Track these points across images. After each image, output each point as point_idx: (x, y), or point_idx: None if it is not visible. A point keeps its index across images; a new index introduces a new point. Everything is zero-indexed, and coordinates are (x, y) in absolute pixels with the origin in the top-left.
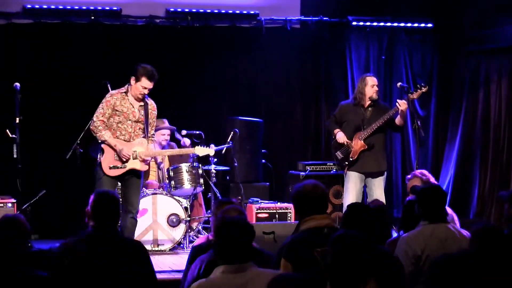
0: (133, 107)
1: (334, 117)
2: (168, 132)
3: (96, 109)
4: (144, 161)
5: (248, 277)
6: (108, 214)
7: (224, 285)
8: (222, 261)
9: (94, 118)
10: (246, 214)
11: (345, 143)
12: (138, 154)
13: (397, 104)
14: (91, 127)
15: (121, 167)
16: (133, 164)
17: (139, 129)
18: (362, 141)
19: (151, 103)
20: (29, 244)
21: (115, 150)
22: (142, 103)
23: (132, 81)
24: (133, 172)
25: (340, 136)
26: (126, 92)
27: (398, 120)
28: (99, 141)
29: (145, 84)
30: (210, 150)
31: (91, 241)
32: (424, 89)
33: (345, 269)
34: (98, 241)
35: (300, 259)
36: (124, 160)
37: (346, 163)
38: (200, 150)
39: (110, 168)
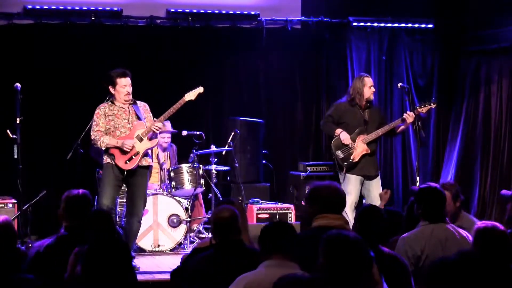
0: (122, 108)
1: (331, 117)
2: (169, 135)
3: (91, 125)
4: (150, 138)
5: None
6: (81, 214)
7: (268, 277)
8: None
9: (91, 133)
10: (238, 213)
11: (350, 144)
12: (140, 135)
13: (405, 115)
14: (92, 142)
15: (134, 156)
16: (144, 145)
17: (135, 119)
18: (365, 144)
19: (141, 104)
20: (17, 247)
21: (119, 147)
22: (130, 102)
23: (111, 89)
24: (139, 172)
25: (345, 137)
26: (112, 102)
27: (401, 128)
28: (104, 148)
29: (123, 82)
30: (199, 89)
31: (63, 242)
32: (433, 105)
33: (338, 269)
34: (70, 242)
35: (304, 255)
36: (129, 149)
37: (346, 163)
38: (190, 95)
39: (127, 162)
